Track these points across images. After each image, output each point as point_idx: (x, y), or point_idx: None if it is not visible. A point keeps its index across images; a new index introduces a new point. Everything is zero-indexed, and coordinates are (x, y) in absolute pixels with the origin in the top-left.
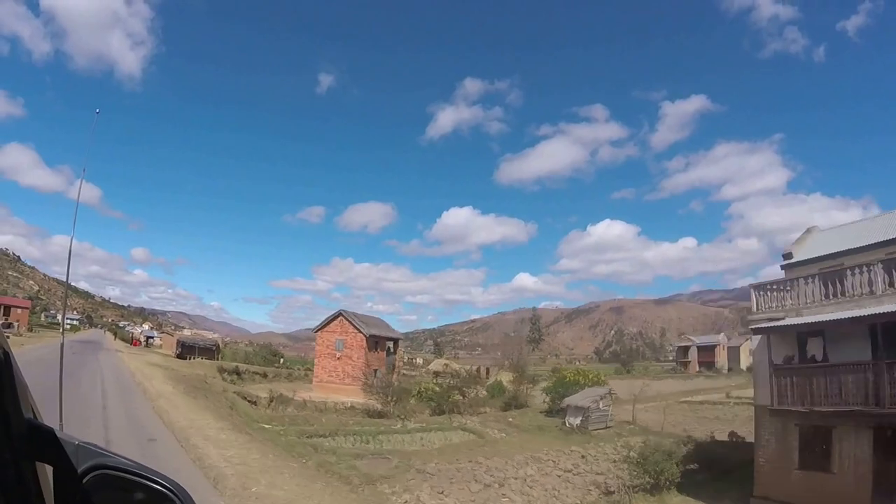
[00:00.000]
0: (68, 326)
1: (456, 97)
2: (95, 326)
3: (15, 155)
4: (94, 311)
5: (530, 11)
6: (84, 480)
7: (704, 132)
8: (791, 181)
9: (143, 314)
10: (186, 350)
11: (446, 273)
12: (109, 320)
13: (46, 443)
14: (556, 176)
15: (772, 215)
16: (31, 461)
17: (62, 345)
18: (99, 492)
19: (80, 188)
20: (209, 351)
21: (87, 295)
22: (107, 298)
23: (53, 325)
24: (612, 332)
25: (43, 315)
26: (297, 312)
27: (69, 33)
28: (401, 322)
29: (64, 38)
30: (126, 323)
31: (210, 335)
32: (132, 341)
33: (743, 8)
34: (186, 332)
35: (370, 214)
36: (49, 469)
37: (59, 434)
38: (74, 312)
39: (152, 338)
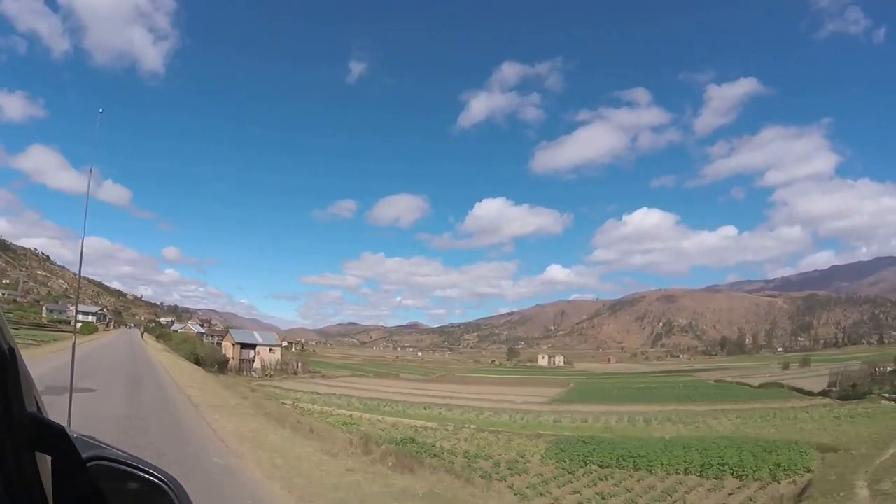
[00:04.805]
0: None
1: (491, 83)
2: (126, 325)
3: (39, 157)
4: (126, 308)
5: None
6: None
7: (750, 116)
8: (839, 166)
9: (175, 312)
10: None
11: (477, 266)
12: (142, 318)
13: (48, 434)
14: (594, 163)
15: (818, 202)
16: (31, 452)
17: (73, 345)
18: (96, 482)
19: (88, 186)
20: None
21: (118, 293)
22: (139, 297)
23: (62, 323)
24: (661, 323)
25: (45, 309)
26: (325, 308)
27: (88, 29)
28: (430, 317)
29: (83, 34)
30: (168, 320)
31: None
32: None
33: None
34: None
35: (402, 207)
36: (48, 460)
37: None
38: (88, 303)
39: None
